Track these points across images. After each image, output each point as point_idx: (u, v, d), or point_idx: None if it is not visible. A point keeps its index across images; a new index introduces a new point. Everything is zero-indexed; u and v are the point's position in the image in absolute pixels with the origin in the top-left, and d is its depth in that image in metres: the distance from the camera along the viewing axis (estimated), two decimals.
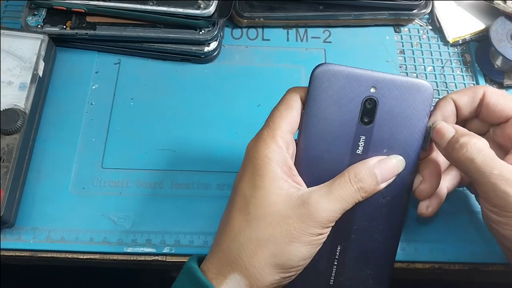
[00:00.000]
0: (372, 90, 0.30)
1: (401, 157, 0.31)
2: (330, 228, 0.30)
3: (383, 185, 0.30)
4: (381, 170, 0.30)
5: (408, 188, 0.31)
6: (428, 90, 0.30)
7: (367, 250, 0.31)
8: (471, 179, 0.31)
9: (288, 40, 0.47)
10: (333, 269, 0.31)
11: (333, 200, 0.29)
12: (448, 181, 0.35)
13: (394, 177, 0.31)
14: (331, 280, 0.32)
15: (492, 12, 0.47)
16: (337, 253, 0.31)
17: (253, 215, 0.29)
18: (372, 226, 0.31)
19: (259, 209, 0.29)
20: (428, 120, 0.31)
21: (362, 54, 0.47)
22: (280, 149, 0.29)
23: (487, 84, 0.46)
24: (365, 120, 0.30)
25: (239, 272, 0.28)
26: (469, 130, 0.31)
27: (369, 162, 0.30)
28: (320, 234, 0.29)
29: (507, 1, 0.45)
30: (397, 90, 0.30)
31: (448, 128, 0.31)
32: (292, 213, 0.28)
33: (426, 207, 0.33)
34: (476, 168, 0.29)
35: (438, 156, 0.33)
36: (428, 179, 0.32)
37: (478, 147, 0.29)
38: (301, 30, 0.48)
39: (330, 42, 0.47)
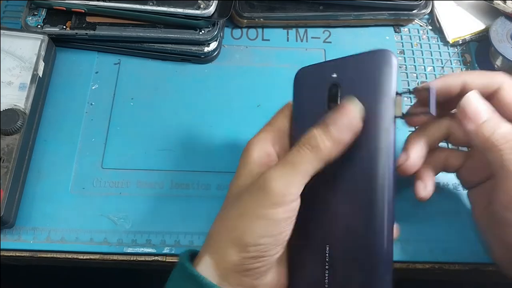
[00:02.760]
0: (334, 75, 0.30)
1: (356, 102, 0.28)
2: (288, 205, 0.27)
3: (343, 137, 0.27)
4: (336, 128, 0.27)
5: (390, 169, 0.28)
6: (385, 55, 0.28)
7: (356, 248, 0.29)
8: (491, 168, 0.30)
9: (288, 40, 0.47)
10: (326, 272, 0.29)
11: (285, 169, 0.27)
12: (435, 162, 0.34)
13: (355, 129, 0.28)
14: (326, 285, 0.29)
15: (492, 12, 0.47)
16: (327, 254, 0.29)
17: (227, 197, 0.31)
18: (357, 219, 0.28)
19: (230, 193, 0.30)
20: (395, 86, 0.28)
21: None
22: (263, 139, 0.31)
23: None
24: (332, 105, 0.30)
25: (208, 253, 0.29)
26: None
27: (325, 123, 0.28)
28: (274, 209, 0.27)
29: (507, 1, 0.45)
30: (356, 67, 0.29)
31: (479, 108, 0.29)
32: (251, 191, 0.28)
33: (423, 188, 0.33)
34: (501, 160, 0.29)
35: (423, 132, 0.33)
36: (412, 154, 0.32)
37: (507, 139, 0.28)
38: (301, 30, 0.48)
39: (330, 42, 0.47)
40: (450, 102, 0.32)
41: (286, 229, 0.28)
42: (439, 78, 0.32)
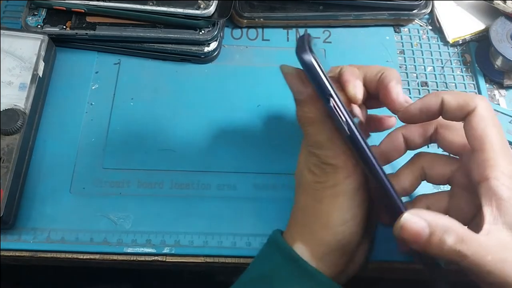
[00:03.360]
0: None
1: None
2: (352, 175, 0.30)
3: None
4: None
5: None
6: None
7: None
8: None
9: (288, 40, 0.47)
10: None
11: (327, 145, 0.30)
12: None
13: None
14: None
15: (492, 12, 0.47)
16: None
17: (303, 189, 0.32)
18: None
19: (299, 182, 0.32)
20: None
21: (362, 54, 0.47)
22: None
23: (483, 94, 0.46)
24: None
25: (300, 240, 0.31)
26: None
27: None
28: (343, 181, 0.30)
29: (507, 1, 0.45)
30: None
31: (418, 224, 0.27)
32: (310, 174, 0.31)
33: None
34: (468, 263, 0.27)
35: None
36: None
37: (461, 239, 0.26)
38: (301, 30, 0.48)
39: (330, 42, 0.47)
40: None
41: (361, 205, 0.31)
42: (419, 100, 0.32)
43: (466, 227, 0.27)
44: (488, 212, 0.27)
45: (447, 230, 0.27)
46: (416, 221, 0.27)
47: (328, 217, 0.30)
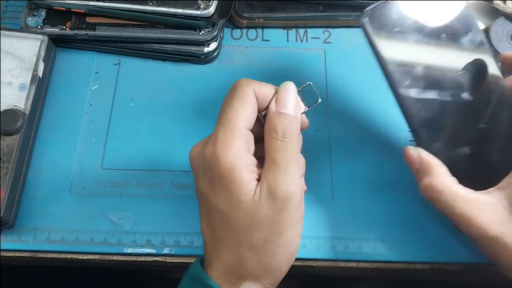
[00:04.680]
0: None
1: (288, 81, 0.31)
2: (303, 192, 0.30)
3: (298, 111, 0.31)
4: (283, 104, 0.30)
5: None
6: None
7: None
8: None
9: (288, 40, 0.47)
10: None
11: (287, 174, 0.29)
12: None
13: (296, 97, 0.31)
14: None
15: (492, 12, 0.47)
16: None
17: (236, 228, 0.29)
18: None
19: (239, 221, 0.28)
20: None
21: (362, 54, 0.47)
22: (241, 151, 0.29)
23: None
24: None
25: (249, 279, 0.29)
26: None
27: (271, 108, 0.30)
28: (299, 204, 0.30)
29: (507, 1, 0.45)
30: None
31: (414, 159, 0.33)
32: (268, 210, 0.28)
33: None
34: (441, 205, 0.31)
35: None
36: None
37: (439, 190, 0.31)
38: (301, 31, 0.48)
39: (330, 42, 0.47)
40: None
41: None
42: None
43: (451, 177, 0.32)
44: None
45: (427, 172, 0.32)
46: (412, 152, 0.33)
47: (291, 246, 0.30)
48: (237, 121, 0.29)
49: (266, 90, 0.31)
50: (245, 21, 0.47)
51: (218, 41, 0.45)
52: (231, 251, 0.29)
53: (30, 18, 0.43)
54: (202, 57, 0.44)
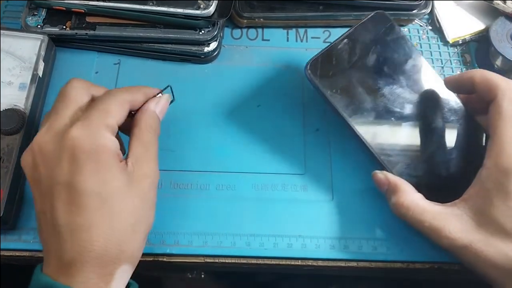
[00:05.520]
0: None
1: (168, 94, 0.36)
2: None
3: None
4: (160, 111, 0.35)
5: None
6: None
7: None
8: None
9: (288, 40, 0.47)
10: None
11: (153, 157, 0.32)
12: None
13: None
14: None
15: (492, 12, 0.47)
16: None
17: (116, 208, 0.29)
18: None
19: (118, 201, 0.29)
20: None
21: None
22: (112, 137, 0.30)
23: None
24: None
25: (124, 262, 0.29)
26: None
27: (150, 107, 0.34)
28: (156, 184, 0.32)
29: (507, 1, 0.45)
30: None
31: (382, 181, 0.36)
32: (142, 189, 0.30)
33: None
34: (410, 221, 0.34)
35: None
36: None
37: (406, 206, 0.34)
38: (301, 30, 0.48)
39: (330, 42, 0.47)
40: None
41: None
42: (455, 75, 0.38)
43: (416, 194, 0.35)
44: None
45: (394, 191, 0.35)
46: (379, 175, 0.37)
47: (149, 225, 0.33)
48: (114, 113, 0.31)
49: (137, 98, 0.34)
50: (245, 20, 0.47)
51: (218, 40, 0.45)
52: (107, 235, 0.28)
53: (30, 18, 0.43)
54: (202, 56, 0.44)
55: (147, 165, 0.31)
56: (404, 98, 0.38)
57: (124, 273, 0.29)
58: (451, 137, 0.38)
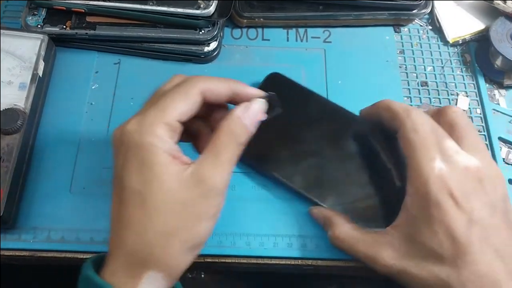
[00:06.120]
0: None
1: (262, 100, 0.31)
2: (224, 194, 0.30)
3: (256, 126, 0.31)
4: (248, 116, 0.30)
5: None
6: None
7: None
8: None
9: (288, 40, 0.47)
10: None
11: (223, 166, 0.29)
12: None
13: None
14: None
15: (492, 12, 0.47)
16: None
17: (153, 209, 0.27)
18: None
19: (157, 201, 0.27)
20: None
21: (362, 54, 0.47)
22: (166, 136, 0.28)
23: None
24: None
25: (153, 268, 0.27)
26: None
27: (237, 112, 0.30)
28: (222, 200, 0.29)
29: (507, 1, 0.45)
30: None
31: (317, 216, 0.37)
32: (192, 194, 0.28)
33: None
34: (347, 251, 0.35)
35: None
36: None
37: (342, 238, 0.35)
38: (301, 30, 0.48)
39: (330, 42, 0.47)
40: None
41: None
42: (368, 107, 0.38)
43: (348, 224, 0.35)
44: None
45: (329, 225, 0.36)
46: (315, 211, 0.37)
47: (203, 237, 0.30)
48: (171, 111, 0.29)
49: (218, 87, 0.31)
50: (245, 20, 0.47)
51: (218, 40, 0.45)
52: (138, 235, 0.28)
53: (30, 18, 0.43)
54: (202, 56, 0.44)
55: (209, 172, 0.28)
56: (319, 137, 0.40)
57: (154, 280, 0.28)
58: (377, 165, 0.38)
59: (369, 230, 0.35)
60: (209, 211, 0.28)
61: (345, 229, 0.35)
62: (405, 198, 0.33)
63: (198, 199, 0.28)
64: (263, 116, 0.32)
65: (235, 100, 0.32)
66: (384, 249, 0.32)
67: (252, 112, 0.31)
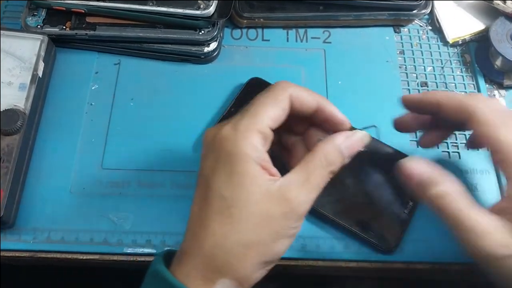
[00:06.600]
0: None
1: (365, 132, 0.31)
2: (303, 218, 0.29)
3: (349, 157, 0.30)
4: (347, 147, 0.30)
5: None
6: None
7: None
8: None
9: (288, 40, 0.47)
10: None
11: (310, 190, 0.28)
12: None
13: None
14: None
15: (492, 12, 0.47)
16: None
17: (237, 217, 0.27)
18: None
19: (242, 211, 0.27)
20: None
21: (362, 54, 0.47)
22: (258, 145, 0.28)
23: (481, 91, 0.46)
24: None
25: (228, 276, 0.27)
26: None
27: (337, 140, 0.30)
28: (301, 223, 0.29)
29: (507, 1, 0.45)
30: None
31: (419, 171, 0.31)
32: (276, 211, 0.27)
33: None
34: (447, 219, 0.30)
35: None
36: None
37: (449, 200, 0.30)
38: (301, 31, 0.48)
39: (330, 42, 0.47)
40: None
41: None
42: (420, 93, 0.34)
43: (460, 187, 0.30)
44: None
45: (434, 182, 0.30)
46: (413, 165, 0.32)
47: (278, 254, 0.29)
48: (263, 116, 0.29)
49: (306, 96, 0.30)
50: (245, 21, 0.47)
51: (218, 41, 0.45)
52: (218, 240, 0.27)
53: (30, 18, 0.43)
54: (202, 57, 0.44)
55: (295, 193, 0.28)
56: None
57: (224, 286, 0.27)
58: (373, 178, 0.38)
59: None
60: (288, 232, 0.28)
61: (456, 188, 0.30)
62: (507, 186, 0.31)
63: (280, 216, 0.27)
64: (361, 148, 0.31)
65: (316, 117, 0.32)
66: (496, 230, 0.29)
67: (353, 143, 0.30)
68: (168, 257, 0.29)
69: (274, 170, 0.29)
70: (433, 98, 0.33)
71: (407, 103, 0.36)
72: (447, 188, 0.30)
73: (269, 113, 0.29)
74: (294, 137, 0.34)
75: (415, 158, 0.32)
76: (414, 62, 0.47)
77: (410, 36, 0.48)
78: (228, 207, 0.27)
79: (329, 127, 0.32)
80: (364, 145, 0.31)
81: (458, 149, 0.42)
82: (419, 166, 0.32)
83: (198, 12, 0.41)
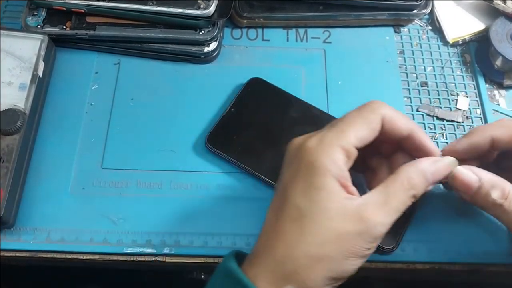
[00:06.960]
0: None
1: (453, 159, 0.31)
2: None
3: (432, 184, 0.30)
4: (433, 173, 0.29)
5: None
6: None
7: None
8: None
9: (288, 40, 0.47)
10: None
11: (389, 212, 0.28)
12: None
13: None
14: None
15: (492, 12, 0.47)
16: None
17: (307, 230, 0.27)
18: None
19: (315, 224, 0.27)
20: None
21: (362, 54, 0.47)
22: (340, 161, 0.28)
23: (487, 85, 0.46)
24: None
25: (294, 284, 0.27)
26: None
27: (422, 165, 0.29)
28: (376, 245, 0.28)
29: (507, 1, 0.45)
30: None
31: (471, 177, 0.30)
32: (350, 229, 0.27)
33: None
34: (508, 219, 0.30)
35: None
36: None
37: (505, 196, 0.30)
38: (301, 31, 0.48)
39: (330, 42, 0.47)
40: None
41: None
42: (464, 138, 0.32)
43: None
44: None
45: (494, 185, 0.30)
46: (466, 173, 0.31)
47: (344, 276, 0.29)
48: (350, 134, 0.29)
49: (399, 122, 0.30)
50: (245, 21, 0.47)
51: (218, 41, 0.45)
52: (288, 249, 0.27)
53: (30, 18, 0.43)
54: (202, 57, 0.44)
55: (374, 214, 0.27)
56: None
57: None
58: None
59: None
60: (361, 252, 0.28)
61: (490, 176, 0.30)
62: None
63: (354, 235, 0.27)
64: (445, 177, 0.30)
65: (406, 142, 0.31)
66: None
67: (439, 170, 0.30)
68: (238, 257, 0.29)
69: (353, 189, 0.29)
70: (484, 136, 0.32)
71: (455, 154, 0.32)
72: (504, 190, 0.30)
73: (356, 131, 0.29)
74: (380, 158, 0.34)
75: (468, 166, 0.31)
76: (414, 62, 0.47)
77: (410, 36, 0.48)
78: (301, 217, 0.27)
79: (418, 155, 0.32)
80: (451, 171, 0.30)
81: None
82: (478, 173, 0.31)
83: (198, 12, 0.41)
